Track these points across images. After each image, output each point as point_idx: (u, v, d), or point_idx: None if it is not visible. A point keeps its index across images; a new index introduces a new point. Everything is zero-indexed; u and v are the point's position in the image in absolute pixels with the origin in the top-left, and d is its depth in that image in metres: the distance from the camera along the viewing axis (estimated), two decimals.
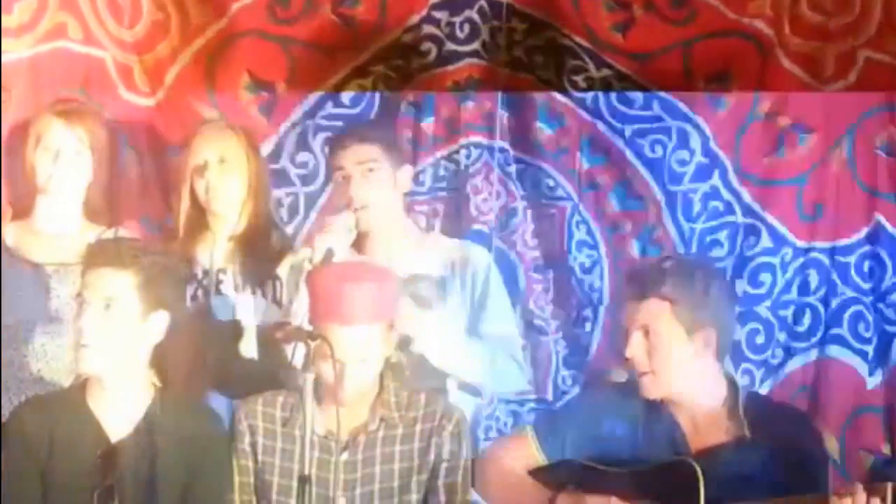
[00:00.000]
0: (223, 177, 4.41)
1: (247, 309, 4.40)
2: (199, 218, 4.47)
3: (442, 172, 4.93)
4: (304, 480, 3.36)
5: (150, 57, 4.79)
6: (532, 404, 4.81)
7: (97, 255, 3.77)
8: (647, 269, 3.84)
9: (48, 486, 3.78)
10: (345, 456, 3.82)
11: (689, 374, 3.81)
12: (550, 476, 3.95)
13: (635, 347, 3.81)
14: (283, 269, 4.37)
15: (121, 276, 3.71)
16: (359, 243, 4.30)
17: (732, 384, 3.87)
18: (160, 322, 3.79)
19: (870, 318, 4.74)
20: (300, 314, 4.04)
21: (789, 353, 4.66)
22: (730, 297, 3.93)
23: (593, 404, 3.97)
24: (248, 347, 4.39)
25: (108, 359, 3.74)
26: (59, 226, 4.43)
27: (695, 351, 3.79)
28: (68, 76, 4.74)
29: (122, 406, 3.80)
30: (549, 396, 4.85)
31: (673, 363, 3.79)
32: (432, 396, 3.93)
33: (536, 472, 3.97)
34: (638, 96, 4.83)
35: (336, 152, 4.35)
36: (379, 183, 4.29)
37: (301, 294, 4.10)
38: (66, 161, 4.37)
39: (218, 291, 4.43)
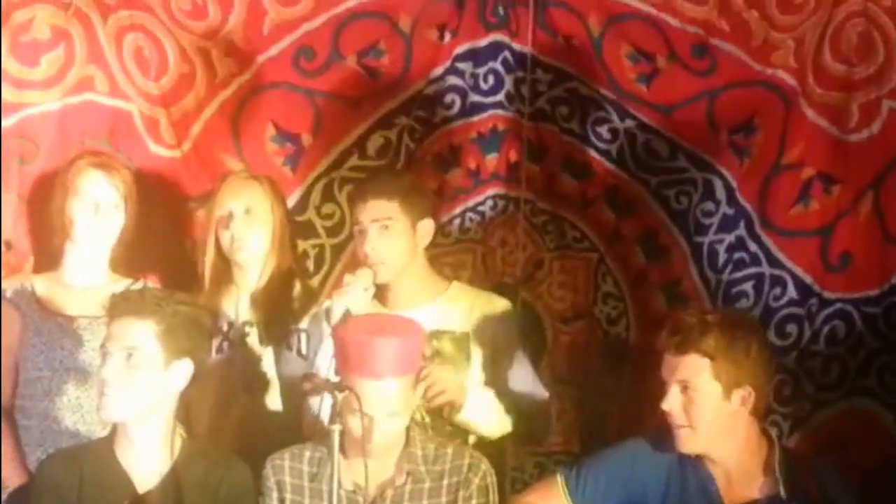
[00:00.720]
0: (248, 228, 4.42)
1: (272, 362, 4.41)
2: (224, 270, 4.48)
3: (467, 224, 4.93)
4: None
5: (177, 109, 4.81)
6: (559, 456, 4.79)
7: (120, 305, 3.78)
8: (691, 323, 3.81)
9: None
10: None
11: (726, 430, 3.81)
12: None
13: (673, 401, 3.80)
14: (306, 321, 4.37)
15: (142, 325, 3.72)
16: (379, 294, 4.29)
17: (769, 441, 3.87)
18: (183, 370, 3.79)
19: None
20: (324, 366, 4.05)
21: (817, 404, 4.63)
22: (769, 354, 3.91)
23: (625, 454, 3.96)
24: (274, 400, 4.40)
25: (131, 408, 3.74)
26: (87, 278, 4.45)
27: (732, 409, 3.79)
28: (95, 128, 4.75)
29: (148, 457, 3.80)
30: (577, 448, 4.84)
31: (710, 419, 3.79)
32: (459, 450, 3.93)
33: None
34: (663, 147, 4.83)
35: (356, 205, 4.35)
36: (395, 239, 4.27)
37: (325, 346, 4.11)
38: (105, 213, 4.39)
39: (243, 344, 4.43)
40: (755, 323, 4.22)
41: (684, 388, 3.79)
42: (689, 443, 3.81)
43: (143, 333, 3.72)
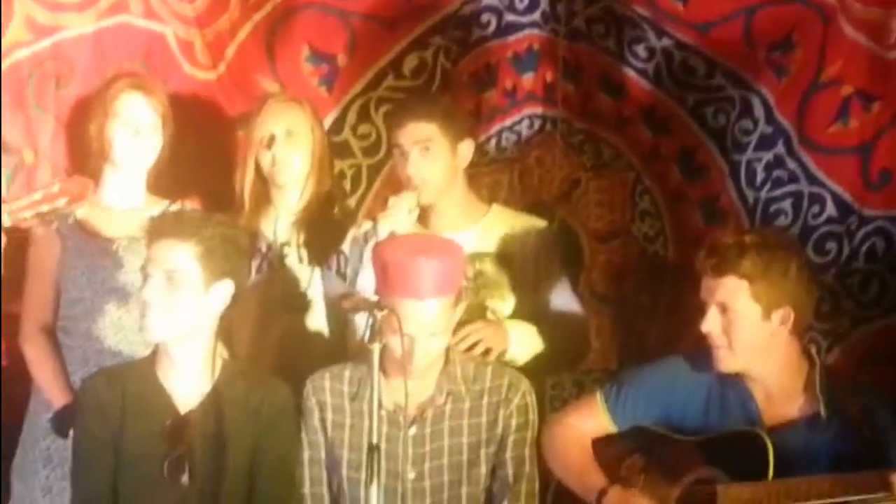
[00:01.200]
0: (290, 150, 4.43)
1: (312, 281, 4.42)
2: (263, 191, 4.49)
3: (504, 144, 4.94)
4: (373, 450, 3.36)
5: (211, 31, 4.79)
6: (598, 374, 4.81)
7: (159, 228, 3.80)
8: (728, 244, 3.81)
9: (120, 455, 3.84)
10: (413, 430, 3.85)
11: (766, 350, 3.82)
12: (617, 445, 3.96)
13: (712, 323, 3.81)
14: (346, 242, 4.38)
15: (182, 246, 3.74)
16: (421, 217, 4.31)
17: (811, 361, 3.88)
18: (224, 291, 3.80)
19: None
20: (365, 286, 4.06)
21: (856, 321, 4.63)
22: (809, 273, 3.90)
23: (664, 372, 3.97)
24: (315, 320, 4.41)
25: (173, 328, 3.77)
26: (126, 200, 4.46)
27: (772, 329, 3.79)
28: (130, 50, 4.74)
29: (190, 377, 3.84)
30: (615, 365, 4.86)
31: (749, 340, 3.80)
32: (498, 369, 3.95)
33: (604, 441, 3.98)
34: (700, 65, 4.79)
35: (393, 130, 4.37)
36: (437, 160, 4.29)
37: (366, 266, 4.12)
38: (144, 134, 4.39)
39: (283, 264, 4.44)
40: (794, 242, 4.23)
41: (723, 309, 3.79)
42: (727, 363, 3.82)
43: (183, 255, 3.73)
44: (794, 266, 3.82)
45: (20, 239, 4.31)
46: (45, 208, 3.80)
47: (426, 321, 3.73)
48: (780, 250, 3.84)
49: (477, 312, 4.25)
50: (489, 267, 4.32)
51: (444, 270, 3.77)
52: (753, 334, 3.79)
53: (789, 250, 3.90)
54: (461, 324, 4.03)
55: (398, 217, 4.16)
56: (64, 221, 4.36)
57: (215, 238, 3.76)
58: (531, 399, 3.91)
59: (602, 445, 3.97)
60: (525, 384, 3.91)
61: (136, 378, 3.87)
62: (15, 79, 4.61)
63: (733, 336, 3.79)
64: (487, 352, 4.14)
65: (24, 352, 4.37)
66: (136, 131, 4.38)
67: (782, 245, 3.92)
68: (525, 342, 4.24)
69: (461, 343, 4.09)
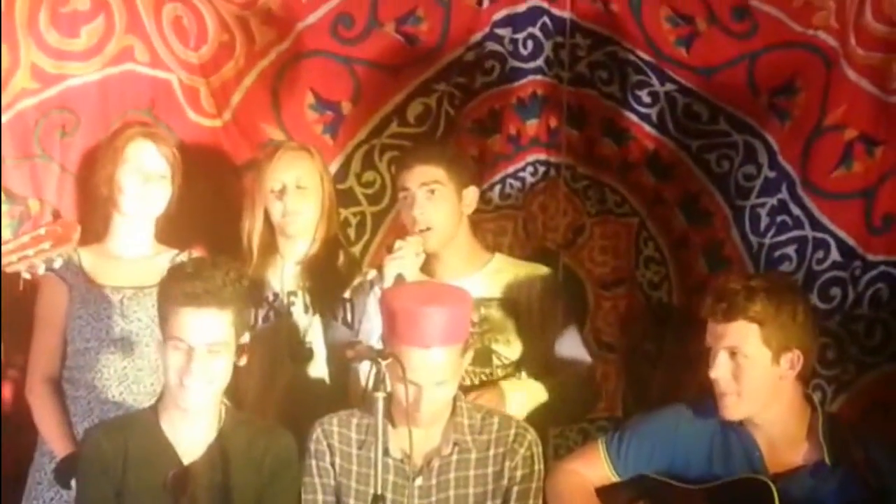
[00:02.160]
0: (300, 201, 4.43)
1: (316, 331, 4.42)
2: (270, 239, 4.50)
3: (508, 191, 4.94)
4: (378, 500, 3.35)
5: (216, 79, 4.80)
6: (602, 422, 4.81)
7: (193, 295, 3.72)
8: (736, 289, 3.80)
9: None
10: (419, 481, 3.84)
11: (774, 395, 3.81)
12: (622, 492, 3.95)
13: (721, 369, 3.80)
14: (351, 291, 4.39)
15: (223, 315, 3.73)
16: (425, 264, 4.31)
17: (813, 407, 3.87)
18: (245, 346, 3.83)
19: None
20: (369, 334, 4.06)
21: (861, 368, 4.62)
22: (814, 316, 3.91)
23: (667, 420, 3.97)
24: (318, 369, 4.42)
25: (211, 396, 3.79)
26: (134, 249, 4.47)
27: (780, 373, 3.79)
28: (136, 98, 4.75)
29: (194, 427, 3.83)
30: (620, 413, 4.86)
31: (759, 385, 3.79)
32: (505, 419, 3.94)
33: (607, 490, 3.97)
34: (704, 110, 4.81)
35: (401, 172, 4.38)
36: (443, 204, 4.31)
37: (370, 314, 4.12)
38: (154, 183, 4.41)
39: (289, 313, 4.45)
40: (798, 286, 4.24)
41: (732, 354, 3.78)
42: (736, 409, 3.81)
43: (223, 325, 3.73)
44: (801, 309, 3.82)
45: (28, 288, 4.33)
46: (30, 251, 3.81)
47: (433, 370, 3.72)
48: (788, 293, 3.85)
49: (483, 358, 4.25)
50: (494, 312, 4.32)
51: (452, 319, 3.76)
52: (763, 379, 3.79)
53: (796, 293, 3.91)
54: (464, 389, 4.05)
55: (405, 261, 4.17)
56: (70, 270, 4.38)
57: (242, 298, 3.77)
58: (537, 450, 3.89)
59: (606, 493, 3.96)
60: (531, 435, 3.90)
61: (138, 429, 3.86)
62: (21, 127, 4.65)
63: (743, 382, 3.78)
64: None
65: (29, 402, 4.38)
66: (146, 179, 4.40)
67: (789, 288, 3.93)
68: (524, 404, 4.24)
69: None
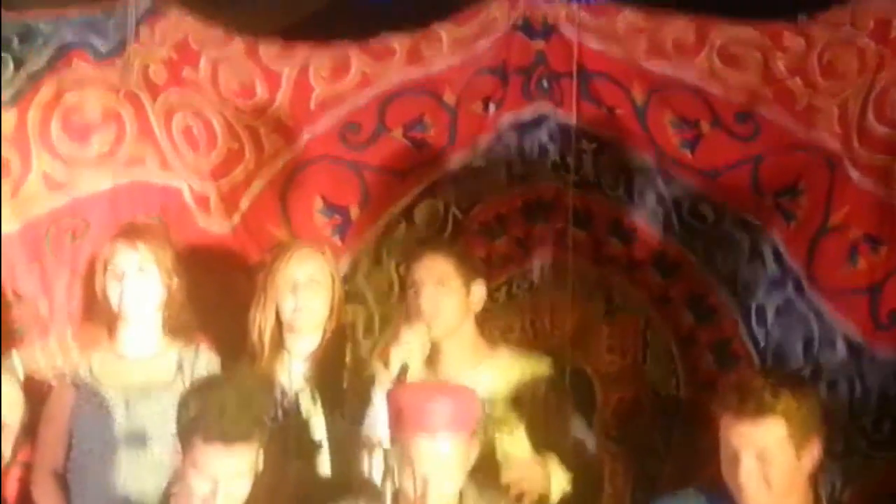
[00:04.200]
0: (312, 297, 4.45)
1: (322, 427, 4.41)
2: (278, 337, 4.50)
3: (515, 291, 4.95)
4: None
5: (226, 182, 4.86)
6: None
7: (219, 430, 3.69)
8: (760, 385, 3.69)
9: None
10: None
11: (791, 493, 3.73)
12: None
13: (753, 474, 3.67)
14: (357, 386, 4.39)
15: (247, 449, 3.73)
16: (429, 357, 4.31)
17: (817, 497, 3.83)
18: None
19: None
20: (375, 428, 4.05)
21: (869, 461, 4.59)
22: (821, 410, 3.84)
23: None
24: (323, 465, 4.40)
25: None
26: (140, 349, 4.50)
27: (802, 469, 3.72)
28: (146, 206, 4.82)
29: None
30: None
31: (787, 483, 3.69)
32: None
33: None
34: (709, 211, 4.83)
35: (411, 264, 4.42)
36: (450, 296, 4.34)
37: (375, 408, 4.12)
38: (131, 280, 4.43)
39: (298, 412, 4.45)
40: (805, 378, 4.22)
41: (761, 456, 3.66)
42: None
43: (249, 457, 3.73)
44: (815, 401, 3.78)
45: (39, 392, 4.35)
46: (59, 360, 3.83)
47: (440, 459, 3.70)
48: (802, 386, 3.81)
49: (486, 450, 4.22)
50: (498, 405, 4.31)
51: (457, 409, 3.76)
52: (790, 476, 3.69)
53: (807, 385, 3.89)
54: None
55: (410, 348, 4.17)
56: (79, 374, 4.39)
57: (264, 430, 3.78)
58: None
59: None
60: None
61: None
62: (32, 232, 4.70)
63: (773, 482, 3.66)
64: (522, 495, 4.14)
65: (34, 496, 4.37)
66: (122, 276, 4.43)
67: (801, 381, 3.92)
68: (563, 485, 4.25)
69: (510, 490, 4.11)
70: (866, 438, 4.59)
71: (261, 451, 3.77)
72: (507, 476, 4.16)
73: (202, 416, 3.70)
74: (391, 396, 3.88)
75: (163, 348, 4.51)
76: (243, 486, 3.74)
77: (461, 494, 3.85)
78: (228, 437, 3.67)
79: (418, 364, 4.18)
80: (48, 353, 3.93)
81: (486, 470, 4.17)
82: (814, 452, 3.74)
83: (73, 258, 4.72)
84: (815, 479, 3.85)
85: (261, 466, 3.78)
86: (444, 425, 3.70)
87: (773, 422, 3.67)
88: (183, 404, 3.77)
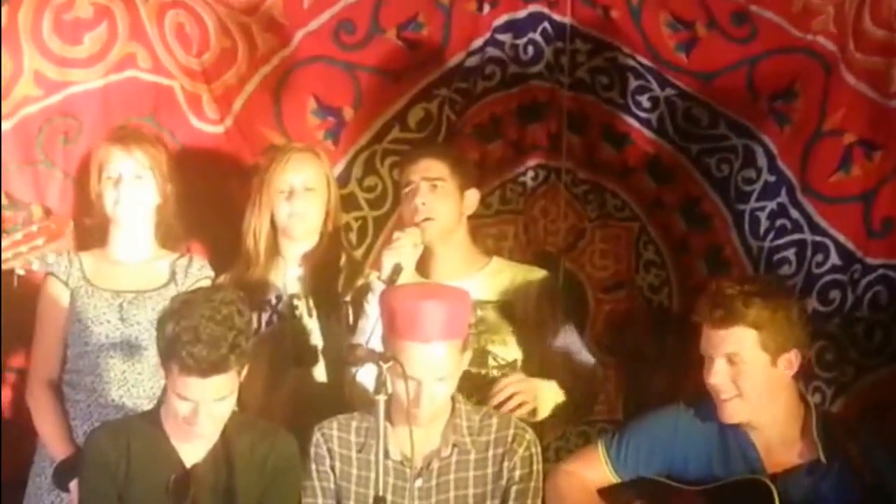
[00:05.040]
0: (308, 203, 4.44)
1: (319, 334, 4.44)
2: (273, 242, 4.50)
3: (508, 195, 4.95)
4: (379, 502, 3.36)
5: (219, 85, 4.81)
6: (602, 424, 4.81)
7: (215, 364, 3.69)
8: (732, 295, 3.80)
9: None
10: (419, 482, 3.85)
11: (772, 396, 3.82)
12: (622, 493, 3.96)
13: (720, 375, 3.80)
14: (352, 293, 4.40)
15: (231, 375, 3.73)
16: (422, 265, 4.33)
17: (807, 406, 3.88)
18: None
19: None
20: (367, 335, 4.07)
21: (860, 370, 4.63)
22: (806, 316, 3.94)
23: (666, 422, 3.97)
24: (321, 372, 4.43)
25: (219, 427, 3.82)
26: (132, 253, 4.49)
27: (778, 374, 3.80)
28: (138, 105, 4.77)
29: None
30: (620, 415, 4.87)
31: (759, 388, 3.80)
32: (503, 420, 3.94)
33: (607, 490, 3.98)
34: (703, 115, 4.83)
35: (405, 167, 4.42)
36: (445, 198, 4.34)
37: (371, 317, 4.13)
38: (127, 186, 4.41)
39: (292, 317, 4.45)
40: (791, 287, 4.31)
41: (731, 360, 3.79)
42: (737, 413, 3.82)
43: (228, 382, 3.72)
44: (795, 309, 3.84)
45: (27, 291, 4.35)
46: (24, 248, 3.82)
47: (433, 365, 3.73)
48: (782, 295, 3.87)
49: (479, 359, 4.26)
50: (490, 314, 4.34)
51: (451, 315, 3.78)
52: (763, 381, 3.80)
53: (789, 294, 3.94)
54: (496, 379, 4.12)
55: (403, 251, 4.18)
56: (72, 275, 4.40)
57: (244, 355, 3.74)
58: (536, 450, 3.90)
59: (606, 494, 3.97)
60: (530, 435, 3.91)
61: (141, 432, 3.87)
62: (24, 133, 4.67)
63: (743, 386, 3.79)
64: (521, 405, 4.16)
65: (28, 405, 4.39)
66: (117, 182, 4.41)
67: (783, 290, 3.96)
68: (554, 397, 4.27)
69: (495, 397, 4.13)
70: (858, 348, 4.63)
71: (244, 370, 3.78)
72: (499, 385, 4.17)
73: (177, 344, 3.68)
74: (384, 299, 3.89)
75: (156, 254, 4.51)
76: (225, 406, 3.76)
77: (453, 401, 3.89)
78: (204, 368, 3.67)
79: (410, 266, 4.20)
80: (13, 242, 3.90)
81: (478, 380, 4.22)
82: (792, 361, 3.79)
83: (66, 161, 4.70)
84: (800, 387, 3.91)
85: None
86: (436, 332, 3.73)
87: (742, 329, 3.77)
88: (160, 325, 3.75)
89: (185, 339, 3.66)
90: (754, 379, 3.79)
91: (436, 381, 3.76)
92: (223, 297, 3.77)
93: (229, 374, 3.70)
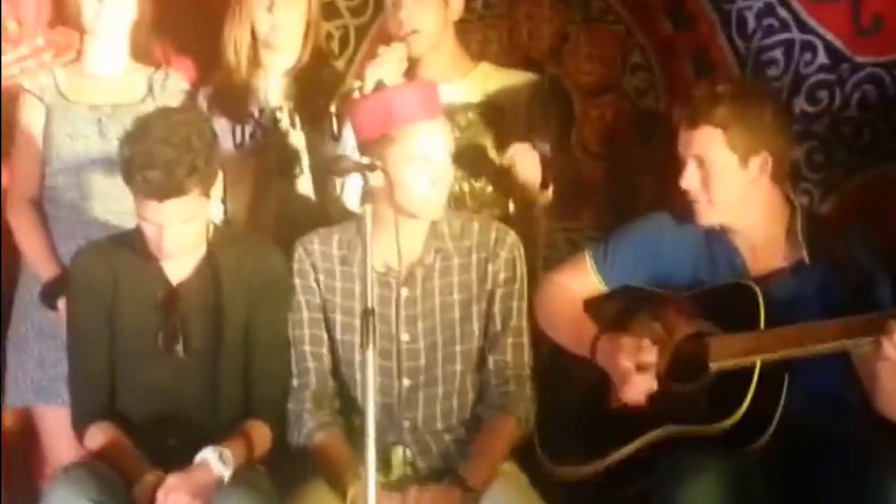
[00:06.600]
0: (288, 12, 4.37)
1: (303, 145, 4.40)
2: (254, 54, 4.45)
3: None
4: (368, 314, 3.36)
5: None
6: (591, 232, 4.81)
7: (168, 187, 3.66)
8: (699, 95, 3.79)
9: (115, 328, 3.86)
10: (404, 291, 3.85)
11: (747, 199, 3.79)
12: (610, 302, 3.97)
13: (691, 178, 3.78)
14: (335, 103, 4.35)
15: (198, 197, 3.71)
16: (410, 71, 4.27)
17: (792, 207, 3.86)
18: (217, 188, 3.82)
19: None
20: (350, 145, 4.04)
21: (849, 170, 4.61)
22: (784, 118, 3.90)
23: (652, 228, 3.96)
24: (305, 184, 4.40)
25: (186, 242, 3.80)
26: (108, 67, 4.43)
27: (750, 177, 3.77)
28: None
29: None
30: (608, 222, 4.83)
31: (729, 190, 3.77)
32: (485, 224, 3.94)
33: (595, 300, 3.99)
34: None
35: None
36: (429, 6, 4.26)
37: (350, 128, 4.10)
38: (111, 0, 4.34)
39: (276, 129, 4.41)
40: (768, 89, 4.26)
41: (700, 162, 3.77)
42: (708, 216, 3.80)
43: (190, 203, 3.69)
44: (768, 112, 3.79)
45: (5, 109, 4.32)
46: (31, 63, 3.77)
47: (430, 143, 3.76)
48: (753, 97, 3.81)
49: (473, 154, 4.25)
50: (480, 117, 4.30)
51: (421, 94, 3.79)
52: (732, 184, 3.77)
53: (763, 96, 3.87)
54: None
55: (387, 66, 4.13)
56: (47, 90, 4.34)
57: (206, 176, 3.70)
58: (519, 252, 3.91)
59: (594, 305, 3.97)
60: (512, 237, 3.91)
61: (127, 249, 3.87)
62: None
63: (712, 188, 3.77)
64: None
65: (10, 223, 4.38)
66: None
67: (756, 92, 3.91)
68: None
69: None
70: (846, 148, 4.60)
71: (213, 188, 3.76)
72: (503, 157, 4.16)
73: (132, 169, 3.66)
74: (355, 104, 3.89)
75: (132, 67, 4.45)
76: (192, 227, 3.76)
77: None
78: (160, 193, 3.65)
79: (395, 81, 4.12)
80: (19, 57, 3.83)
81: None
82: (763, 162, 3.76)
83: None
84: (785, 189, 3.89)
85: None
86: (412, 116, 3.73)
87: (708, 129, 3.74)
88: (120, 148, 3.73)
89: (139, 163, 3.64)
90: (722, 180, 3.75)
91: (421, 161, 3.75)
92: (181, 118, 3.75)
93: (190, 195, 3.67)
